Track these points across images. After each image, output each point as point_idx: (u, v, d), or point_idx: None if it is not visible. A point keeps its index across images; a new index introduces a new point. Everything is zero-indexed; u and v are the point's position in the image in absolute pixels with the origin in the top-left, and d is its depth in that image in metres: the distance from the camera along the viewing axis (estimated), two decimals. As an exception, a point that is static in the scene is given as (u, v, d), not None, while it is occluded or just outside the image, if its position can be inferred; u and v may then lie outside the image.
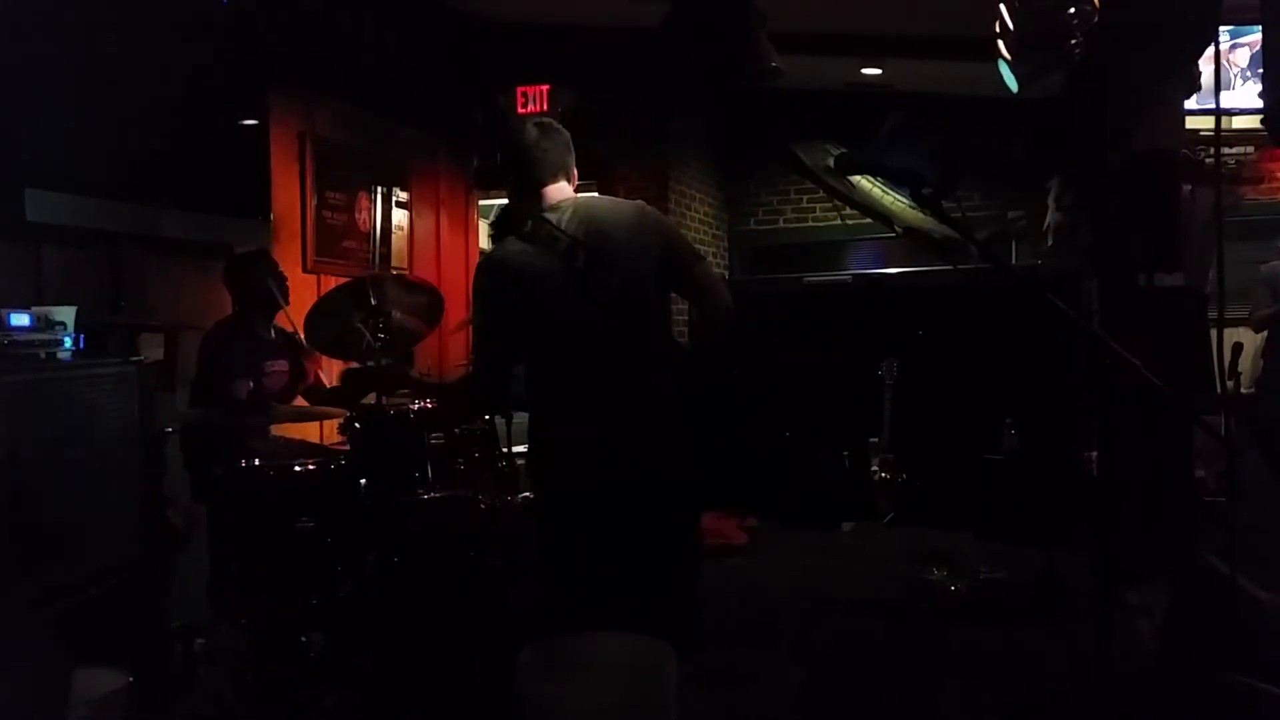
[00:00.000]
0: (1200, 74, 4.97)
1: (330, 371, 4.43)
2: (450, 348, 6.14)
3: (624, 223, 2.52)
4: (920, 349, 5.99)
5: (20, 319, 2.96)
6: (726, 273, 8.01)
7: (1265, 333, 5.43)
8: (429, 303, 3.84)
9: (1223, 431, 3.76)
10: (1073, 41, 4.33)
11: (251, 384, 3.57)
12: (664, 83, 6.82)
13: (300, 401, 4.04)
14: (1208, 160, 5.05)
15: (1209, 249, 4.32)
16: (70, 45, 3.53)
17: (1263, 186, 6.98)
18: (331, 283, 4.93)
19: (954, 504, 5.46)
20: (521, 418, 4.38)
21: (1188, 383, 4.32)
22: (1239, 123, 6.62)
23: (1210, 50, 4.42)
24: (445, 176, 6.70)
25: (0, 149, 3.29)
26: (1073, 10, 4.30)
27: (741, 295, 7.28)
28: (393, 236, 6.00)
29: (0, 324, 2.91)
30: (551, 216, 2.50)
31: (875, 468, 5.85)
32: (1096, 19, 4.29)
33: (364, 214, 5.76)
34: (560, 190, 2.59)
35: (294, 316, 3.90)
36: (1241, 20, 6.13)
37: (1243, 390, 5.13)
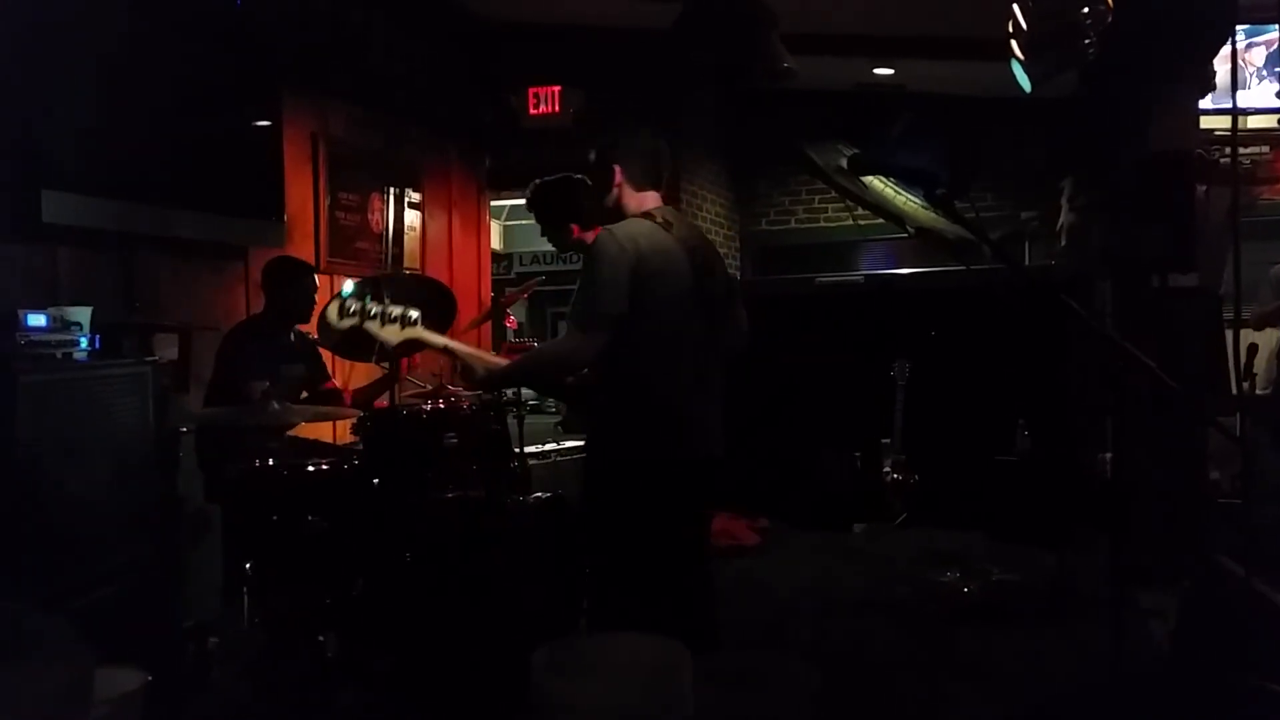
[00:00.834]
0: (1215, 73, 4.95)
1: (347, 374, 4.46)
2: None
3: (713, 249, 2.95)
4: (932, 350, 5.96)
5: (37, 319, 2.98)
6: (739, 273, 8.01)
7: (1268, 328, 5.38)
8: (442, 303, 3.85)
9: (1238, 433, 3.74)
10: (1086, 41, 4.31)
11: (267, 386, 3.58)
12: (676, 83, 6.81)
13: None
14: (1223, 160, 5.03)
15: (1224, 250, 4.31)
16: (84, 48, 3.55)
17: (1278, 187, 6.93)
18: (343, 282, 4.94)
19: (966, 506, 5.44)
20: (527, 420, 4.42)
21: (1202, 384, 4.30)
22: (1254, 122, 6.59)
23: (1226, 49, 4.42)
24: (457, 177, 6.72)
25: (17, 151, 3.32)
26: (1086, 10, 4.28)
27: (753, 296, 7.28)
28: (405, 237, 6.02)
29: (17, 324, 2.93)
30: (672, 218, 2.81)
31: (887, 469, 5.83)
32: (1110, 19, 4.27)
33: (376, 215, 5.78)
34: (654, 198, 2.89)
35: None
36: (1258, 19, 6.10)
37: (1258, 391, 5.09)
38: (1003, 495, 5.37)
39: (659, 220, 2.76)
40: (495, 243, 7.51)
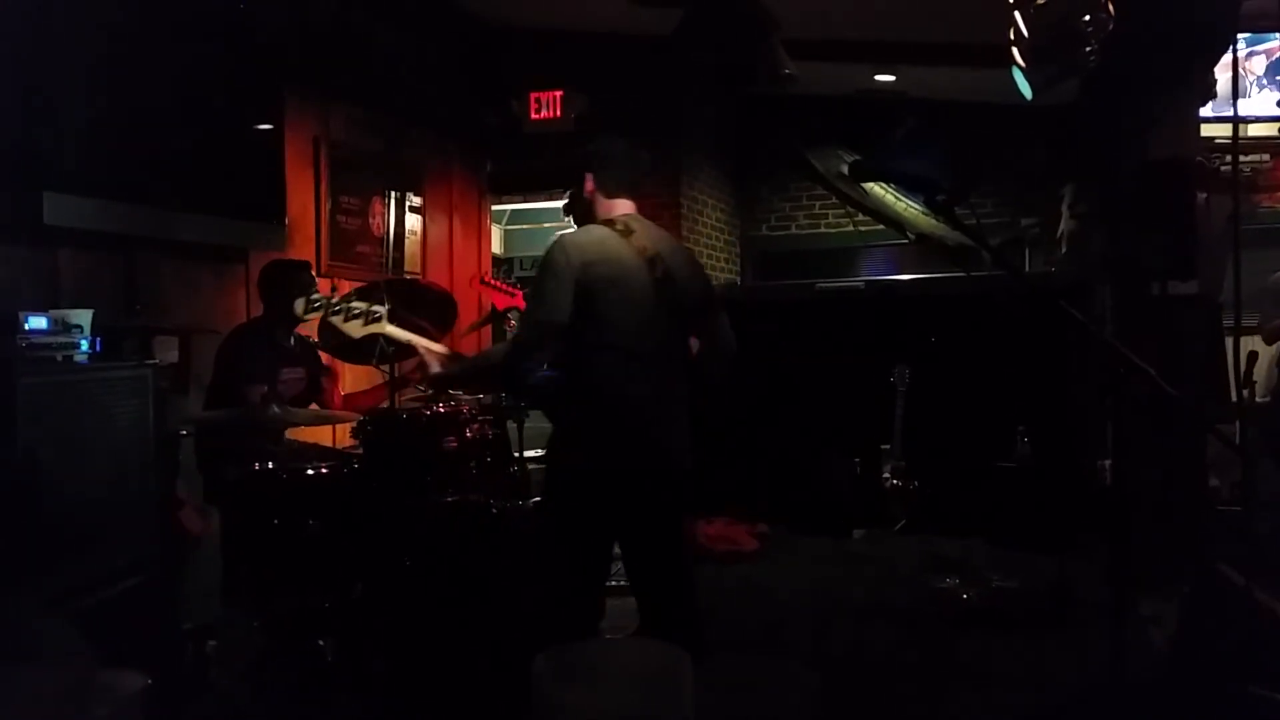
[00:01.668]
0: (1216, 81, 4.96)
1: (344, 379, 4.46)
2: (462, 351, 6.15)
3: (683, 254, 2.96)
4: (932, 356, 5.97)
5: (38, 322, 2.98)
6: (739, 278, 8.01)
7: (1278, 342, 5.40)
8: (442, 307, 3.85)
9: (1237, 440, 3.74)
10: (1087, 49, 4.31)
11: (266, 390, 3.58)
12: (677, 89, 6.82)
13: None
14: (1223, 168, 5.03)
15: (1224, 257, 4.31)
16: (85, 49, 3.55)
17: (1278, 195, 6.94)
18: (345, 287, 4.93)
19: (966, 512, 5.44)
20: (526, 424, 4.42)
21: (1202, 391, 4.31)
22: (1255, 130, 6.60)
23: (1227, 57, 4.42)
24: (459, 181, 6.72)
25: (18, 153, 3.32)
26: (1088, 17, 4.29)
27: (754, 301, 7.31)
28: (406, 241, 6.02)
29: (18, 327, 2.93)
30: (635, 226, 2.82)
31: (887, 475, 5.83)
32: (1111, 26, 4.28)
33: (378, 218, 5.79)
34: (626, 205, 2.91)
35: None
36: (1259, 27, 6.12)
37: (1258, 399, 5.09)
38: (1002, 502, 5.37)
39: (618, 228, 2.79)
40: (496, 247, 7.50)
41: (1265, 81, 6.46)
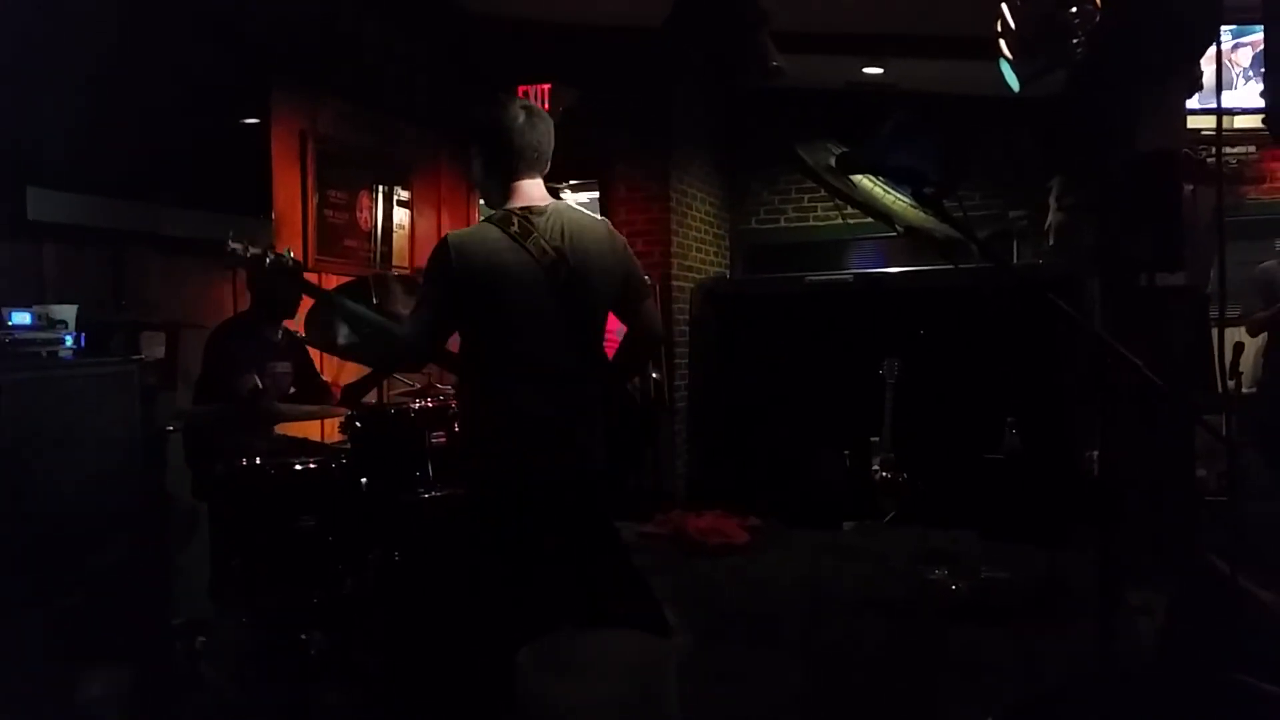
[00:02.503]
0: (1202, 73, 4.96)
1: (336, 371, 4.44)
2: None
3: (599, 244, 2.61)
4: (922, 348, 5.98)
5: (22, 317, 2.96)
6: (728, 271, 8.01)
7: (1265, 333, 5.43)
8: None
9: (1224, 431, 3.76)
10: (1074, 41, 4.32)
11: (256, 382, 3.57)
12: (666, 82, 6.81)
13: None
14: (1209, 160, 5.05)
15: (1210, 249, 4.33)
16: (72, 43, 3.53)
17: (1264, 186, 6.97)
18: (333, 282, 4.93)
19: (955, 504, 5.45)
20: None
21: (1189, 382, 4.32)
22: (1241, 122, 6.62)
23: (1212, 50, 4.43)
24: (447, 175, 6.70)
25: (2, 147, 3.30)
26: (1074, 9, 4.29)
27: (743, 295, 7.30)
28: (394, 236, 6.00)
29: (2, 322, 2.91)
30: (538, 221, 2.54)
31: (876, 467, 5.84)
32: (1098, 18, 4.28)
33: (365, 213, 5.77)
34: (536, 187, 2.62)
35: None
36: (1244, 19, 6.13)
37: (1244, 390, 5.12)
38: (992, 493, 5.38)
39: (513, 228, 2.52)
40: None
41: (1251, 74, 6.48)
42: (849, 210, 7.77)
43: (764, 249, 8.20)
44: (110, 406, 3.12)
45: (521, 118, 2.58)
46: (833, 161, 7.69)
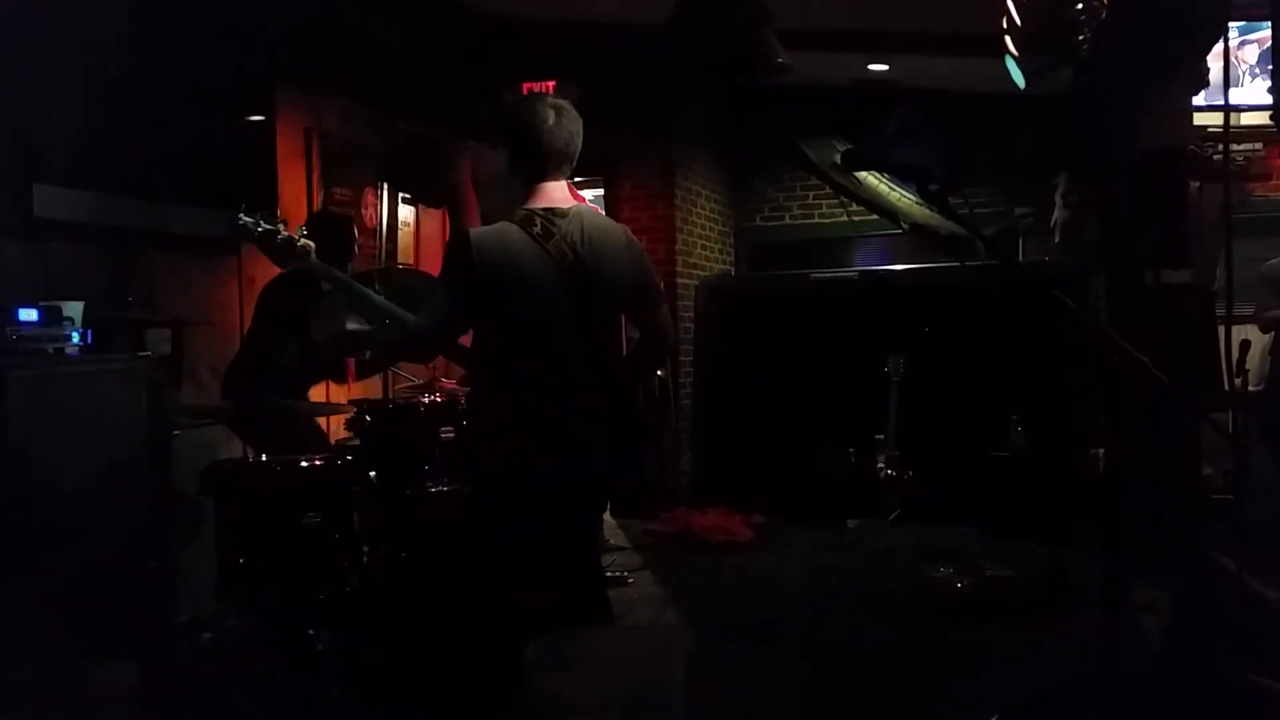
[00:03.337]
0: (1208, 70, 4.96)
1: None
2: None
3: (617, 249, 2.60)
4: (926, 346, 5.97)
5: (29, 314, 2.97)
6: (733, 269, 8.00)
7: (1272, 331, 5.41)
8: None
9: (1230, 429, 3.75)
10: (1080, 38, 4.31)
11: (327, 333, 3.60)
12: (670, 79, 6.81)
13: None
14: (1216, 157, 5.04)
15: (1217, 246, 4.32)
16: (78, 41, 3.53)
17: (1271, 183, 6.95)
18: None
19: (960, 501, 5.45)
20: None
21: (1195, 380, 4.32)
22: (1247, 119, 6.60)
23: (1219, 47, 4.42)
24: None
25: (9, 145, 3.30)
26: (1080, 6, 4.28)
27: (747, 292, 7.29)
28: (399, 232, 6.01)
29: (8, 319, 2.91)
30: (560, 223, 2.53)
31: (881, 465, 5.84)
32: (1104, 15, 4.28)
33: (370, 210, 5.77)
34: (560, 189, 2.60)
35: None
36: (1251, 16, 6.11)
37: (1250, 388, 5.11)
38: (997, 491, 5.38)
39: (535, 227, 2.50)
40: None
41: (1258, 70, 6.46)
42: (854, 207, 7.76)
43: (768, 246, 8.19)
44: (116, 403, 3.12)
45: (551, 118, 2.54)
46: (838, 158, 7.68)
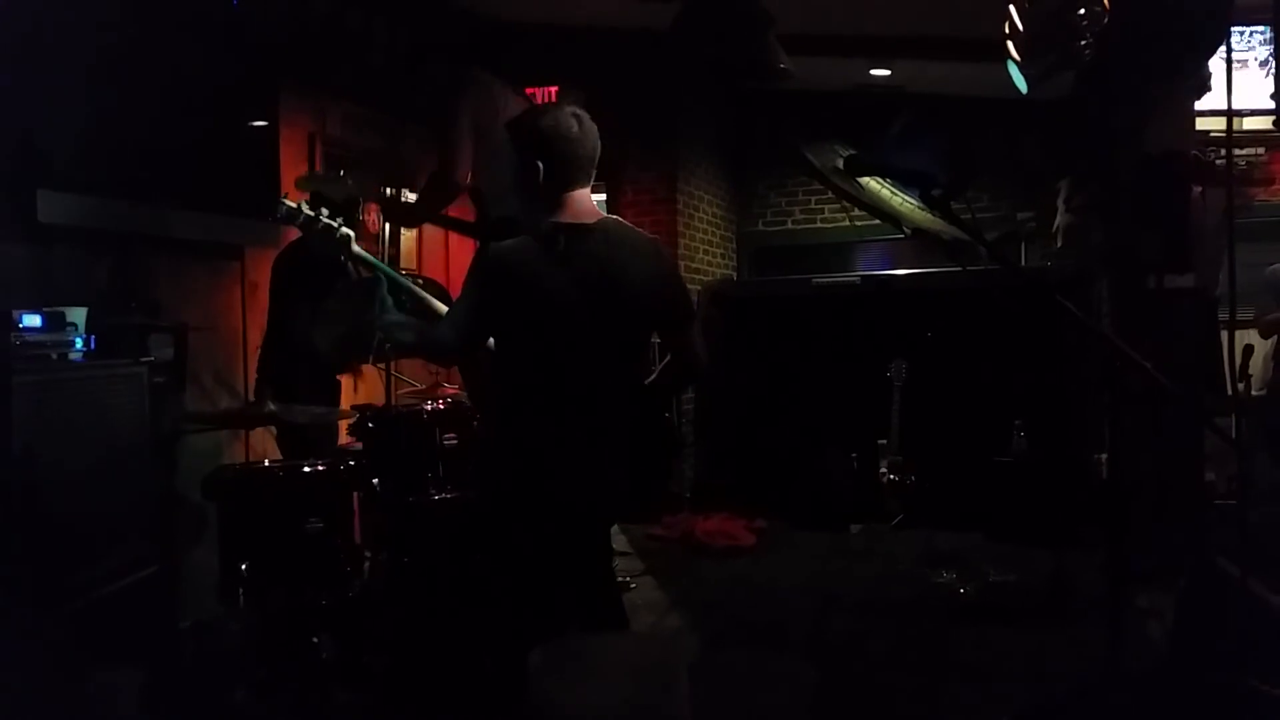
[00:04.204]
0: (1211, 74, 4.95)
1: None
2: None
3: (644, 266, 2.50)
4: (929, 351, 5.98)
5: (32, 320, 2.97)
6: (735, 274, 8.00)
7: (1275, 336, 5.41)
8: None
9: (1233, 434, 3.75)
10: (1082, 42, 4.32)
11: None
12: (673, 84, 6.81)
13: None
14: (1218, 161, 5.04)
15: (1219, 250, 4.31)
16: (80, 46, 3.54)
17: (1273, 188, 6.95)
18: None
19: (963, 506, 5.45)
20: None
21: (1198, 385, 4.31)
22: (1250, 124, 6.59)
23: (1222, 50, 4.43)
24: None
25: (12, 150, 3.31)
26: (1082, 11, 4.29)
27: (750, 297, 7.28)
28: (402, 237, 6.01)
29: (12, 325, 2.92)
30: (585, 238, 2.44)
31: (884, 469, 5.84)
32: (1106, 19, 4.28)
33: (373, 215, 5.77)
34: (584, 199, 2.51)
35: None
36: (1251, 20, 6.11)
37: (1253, 392, 5.11)
38: (1000, 496, 5.38)
39: (559, 245, 2.41)
40: (492, 243, 7.46)
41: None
42: (856, 212, 7.77)
43: (771, 251, 8.20)
44: (120, 408, 3.13)
45: (575, 126, 2.46)
46: (840, 163, 7.69)
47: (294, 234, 3.98)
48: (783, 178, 8.12)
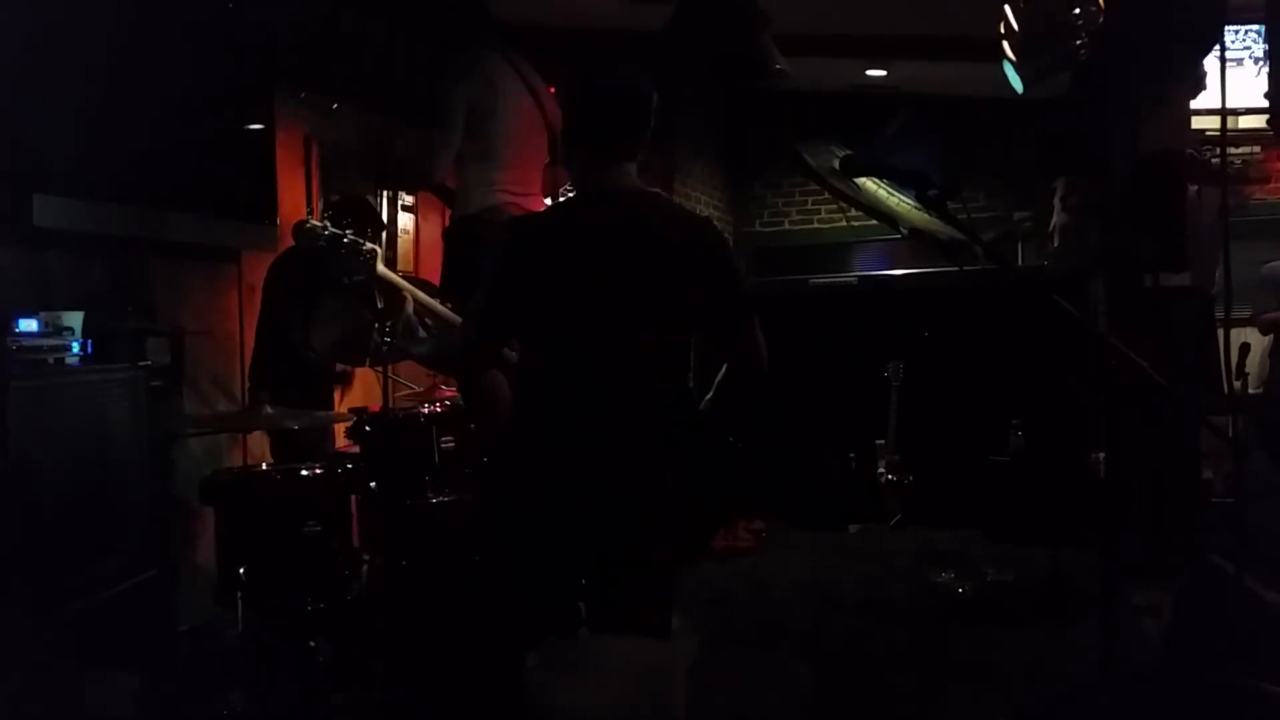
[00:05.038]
0: (1205, 73, 4.97)
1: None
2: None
3: (690, 247, 2.24)
4: (926, 351, 5.97)
5: (28, 324, 2.97)
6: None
7: (1272, 333, 5.42)
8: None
9: (1230, 432, 3.76)
10: (1078, 42, 4.32)
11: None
12: (669, 85, 6.79)
13: None
14: (1214, 160, 5.05)
15: (1215, 249, 4.32)
16: (76, 49, 3.53)
17: (1269, 186, 6.96)
18: (338, 286, 4.93)
19: (961, 506, 5.45)
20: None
21: (1194, 383, 4.32)
22: (1245, 122, 6.60)
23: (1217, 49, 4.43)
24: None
25: (7, 154, 3.31)
26: (1078, 11, 4.30)
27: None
28: (398, 240, 6.01)
29: (8, 329, 2.92)
30: (618, 216, 2.22)
31: (882, 469, 5.84)
32: (1101, 19, 4.29)
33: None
34: (630, 173, 2.27)
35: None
36: (1244, 19, 6.12)
37: (1250, 391, 5.11)
38: (998, 495, 5.38)
39: (580, 215, 2.21)
40: (489, 245, 7.46)
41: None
42: (853, 213, 7.78)
43: (768, 252, 8.21)
44: (117, 412, 3.12)
45: (616, 94, 2.33)
46: (837, 164, 7.70)
47: (290, 239, 3.97)
48: (779, 178, 8.13)
